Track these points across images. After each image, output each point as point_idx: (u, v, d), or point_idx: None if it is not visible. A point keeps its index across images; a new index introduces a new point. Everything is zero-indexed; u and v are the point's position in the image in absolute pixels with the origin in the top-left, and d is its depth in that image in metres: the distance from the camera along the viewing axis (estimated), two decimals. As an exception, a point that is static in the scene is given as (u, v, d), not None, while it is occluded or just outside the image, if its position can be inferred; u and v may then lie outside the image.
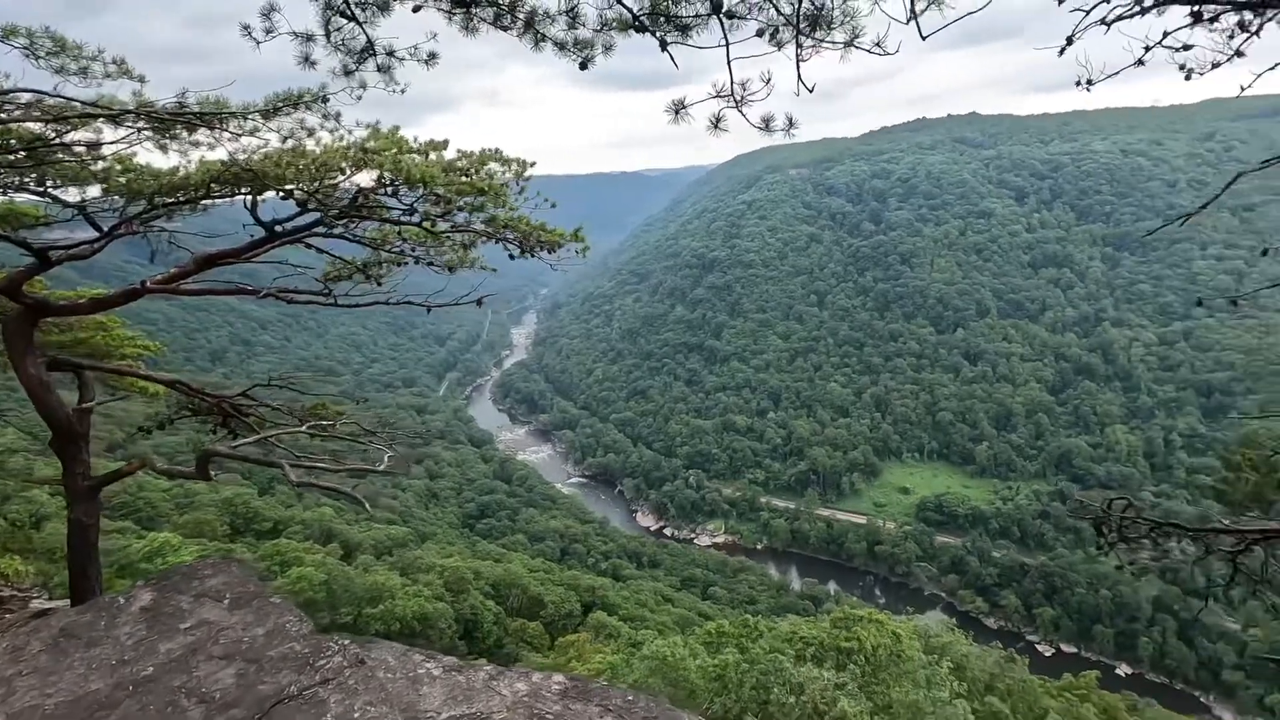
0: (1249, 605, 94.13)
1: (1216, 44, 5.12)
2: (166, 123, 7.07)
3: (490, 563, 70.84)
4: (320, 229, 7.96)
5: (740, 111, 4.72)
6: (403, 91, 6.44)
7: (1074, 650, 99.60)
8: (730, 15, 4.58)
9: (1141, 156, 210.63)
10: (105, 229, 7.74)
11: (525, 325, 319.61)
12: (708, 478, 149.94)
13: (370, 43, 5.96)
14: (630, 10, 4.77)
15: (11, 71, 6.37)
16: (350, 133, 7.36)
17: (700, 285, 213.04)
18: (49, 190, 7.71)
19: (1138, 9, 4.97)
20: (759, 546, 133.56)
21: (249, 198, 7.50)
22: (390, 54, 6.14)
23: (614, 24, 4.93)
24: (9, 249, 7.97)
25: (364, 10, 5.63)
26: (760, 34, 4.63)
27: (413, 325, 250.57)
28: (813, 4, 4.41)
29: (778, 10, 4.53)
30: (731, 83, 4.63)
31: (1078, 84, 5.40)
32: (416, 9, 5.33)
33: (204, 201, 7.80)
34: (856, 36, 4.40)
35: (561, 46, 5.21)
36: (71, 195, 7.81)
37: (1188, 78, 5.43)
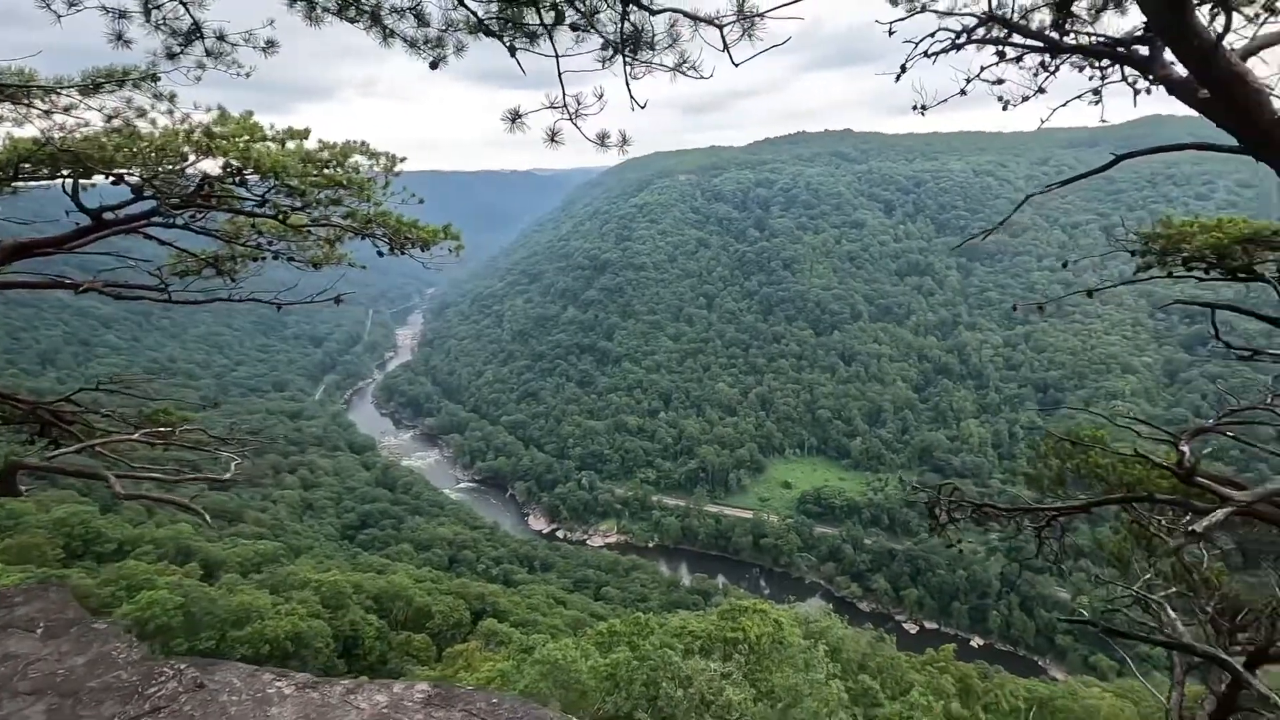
0: (1076, 577, 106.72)
1: (1024, 80, 5.83)
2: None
3: (372, 575, 67.26)
4: (158, 219, 7.26)
5: (575, 124, 4.78)
6: (247, 75, 5.99)
7: (935, 626, 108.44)
8: (574, 28, 4.63)
9: (990, 176, 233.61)
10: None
11: (411, 326, 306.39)
12: (600, 478, 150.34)
13: (197, 25, 5.48)
14: (475, 14, 4.71)
15: None
16: (189, 116, 6.77)
17: (592, 287, 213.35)
18: None
19: (952, 46, 5.55)
20: (650, 545, 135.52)
21: (70, 181, 6.70)
22: (221, 38, 5.69)
23: (461, 25, 4.83)
24: None
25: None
26: (605, 48, 4.69)
27: (284, 325, 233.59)
28: (633, 25, 4.51)
29: (598, 32, 4.62)
30: (564, 95, 4.69)
31: (914, 108, 5.94)
32: None
33: (14, 184, 6.88)
34: (685, 62, 4.57)
35: (412, 44, 5.04)
36: None
37: (1005, 108, 6.01)
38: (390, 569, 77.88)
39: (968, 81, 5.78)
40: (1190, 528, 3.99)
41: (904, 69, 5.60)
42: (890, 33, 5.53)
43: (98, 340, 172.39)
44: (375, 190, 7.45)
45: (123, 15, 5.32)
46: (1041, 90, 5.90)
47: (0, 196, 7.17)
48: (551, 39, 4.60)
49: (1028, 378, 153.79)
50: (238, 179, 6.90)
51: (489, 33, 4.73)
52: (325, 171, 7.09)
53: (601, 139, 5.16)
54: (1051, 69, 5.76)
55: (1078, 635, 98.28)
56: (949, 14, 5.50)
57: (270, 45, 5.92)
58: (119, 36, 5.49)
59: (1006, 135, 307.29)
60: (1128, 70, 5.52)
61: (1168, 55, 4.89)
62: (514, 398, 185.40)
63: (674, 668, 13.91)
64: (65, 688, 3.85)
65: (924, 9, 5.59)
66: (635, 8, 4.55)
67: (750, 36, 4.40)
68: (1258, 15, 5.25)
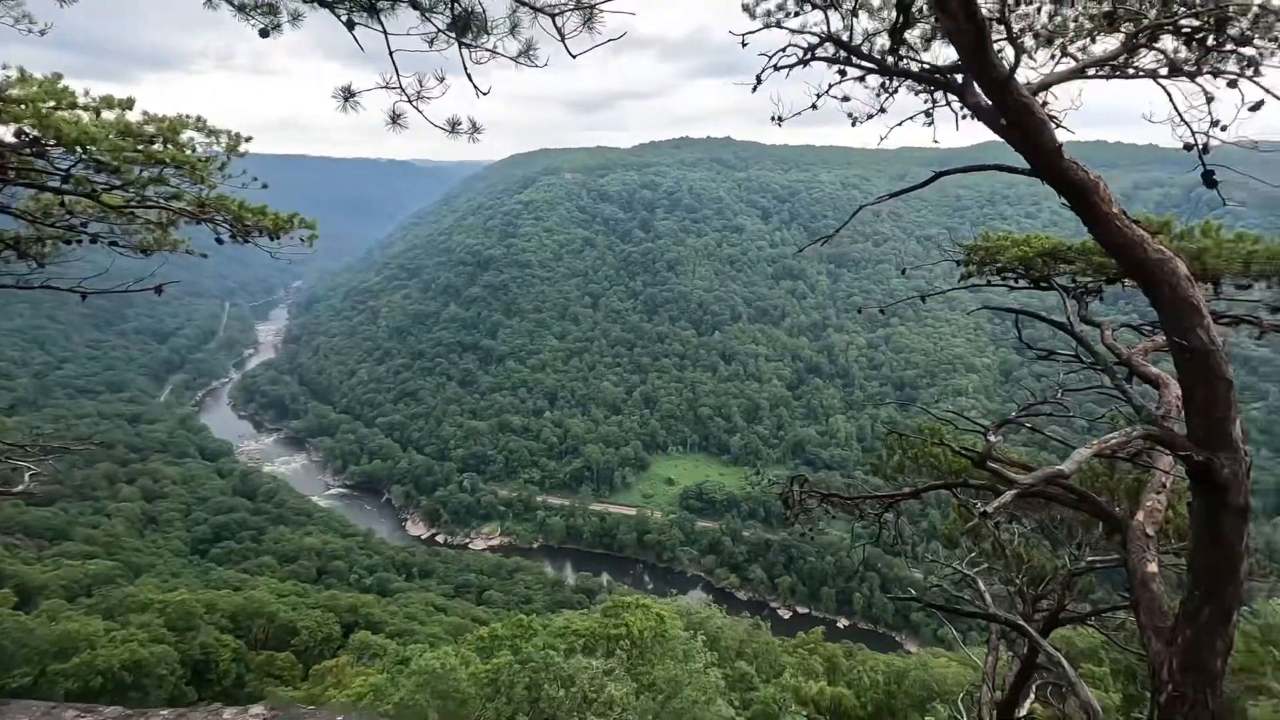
0: (926, 560, 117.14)
1: (868, 99, 6.39)
2: None
3: (228, 592, 61.88)
4: None
5: (415, 107, 4.63)
6: (42, 33, 5.33)
7: (806, 611, 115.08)
8: (415, 6, 4.49)
9: (855, 189, 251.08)
10: None
11: (274, 321, 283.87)
12: (483, 480, 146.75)
13: None
14: None
15: None
16: None
17: (475, 283, 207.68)
18: None
19: (800, 62, 5.95)
20: (535, 545, 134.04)
21: None
22: None
23: None
24: None
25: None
26: (451, 28, 4.60)
27: (122, 318, 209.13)
28: (463, 8, 4.47)
29: (423, 13, 4.52)
30: (398, 76, 4.52)
31: (772, 119, 6.34)
32: None
33: None
34: (530, 49, 4.58)
35: (241, 9, 4.65)
36: None
37: (854, 124, 6.55)
38: (249, 584, 72.12)
39: (818, 97, 6.22)
40: (981, 509, 4.49)
41: (759, 80, 5.96)
42: (744, 44, 5.86)
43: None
44: (211, 171, 6.80)
45: None
46: (883, 110, 6.43)
47: None
48: (379, 15, 4.35)
49: (888, 376, 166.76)
50: (34, 150, 6.07)
51: (323, 2, 4.43)
52: (149, 147, 6.37)
53: (452, 125, 5.01)
54: (891, 90, 6.30)
55: (928, 611, 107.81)
56: (799, 31, 5.88)
57: None
58: None
59: (871, 151, 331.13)
60: (951, 96, 6.08)
61: (976, 87, 5.42)
62: (390, 398, 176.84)
63: (556, 668, 13.89)
64: None
65: (778, 25, 5.95)
66: None
67: (590, 28, 4.44)
68: (1053, 56, 6.02)
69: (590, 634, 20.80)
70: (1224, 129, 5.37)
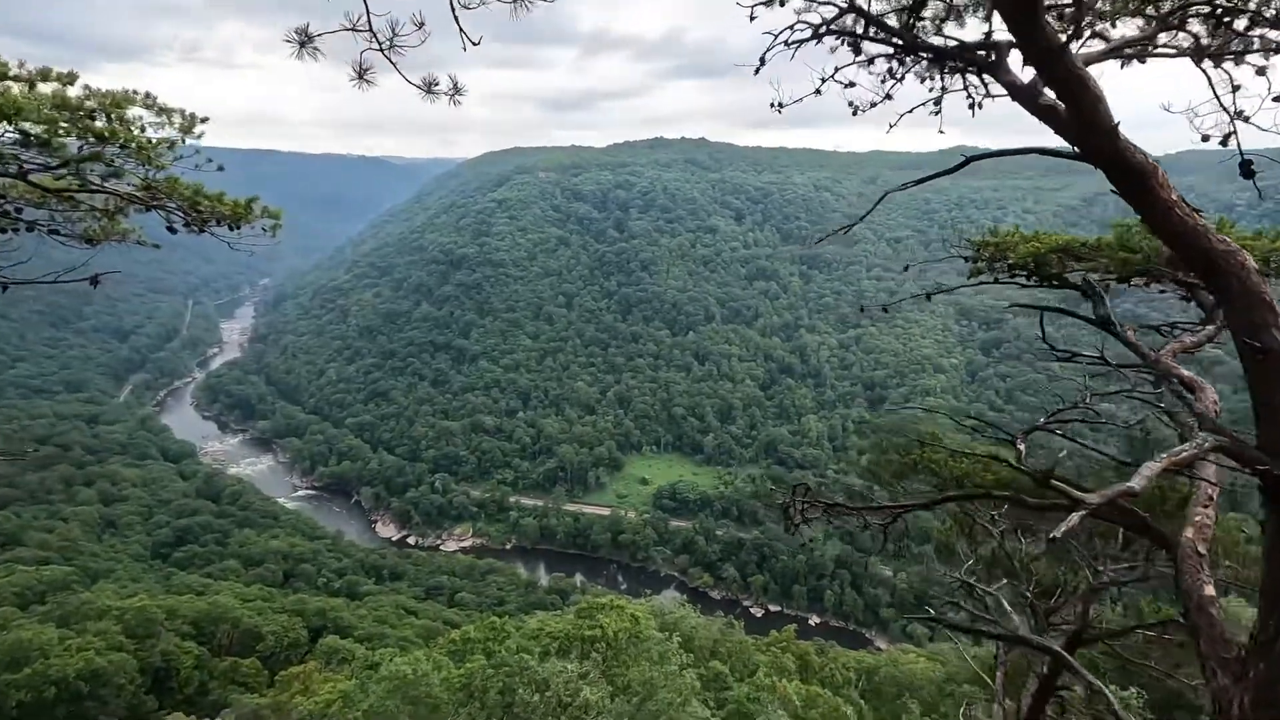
0: (899, 558, 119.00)
1: (873, 86, 6.04)
2: None
3: (190, 597, 60.35)
4: None
5: (387, 57, 4.22)
6: None
7: (779, 609, 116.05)
8: None
9: (827, 191, 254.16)
10: None
11: (240, 319, 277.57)
12: (455, 481, 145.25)
13: None
14: None
15: None
16: None
17: (448, 282, 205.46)
18: None
19: (814, 36, 5.65)
20: (508, 546, 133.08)
21: None
22: None
23: None
24: None
25: None
26: None
27: (79, 316, 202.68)
28: None
29: None
30: (369, 17, 4.06)
31: (772, 105, 6.05)
32: None
33: None
34: None
35: None
36: None
37: (855, 113, 6.19)
38: (213, 589, 70.40)
39: (822, 81, 5.92)
40: (1051, 535, 4.15)
41: (763, 62, 5.66)
42: (752, 18, 5.55)
43: None
44: (161, 153, 6.27)
45: None
46: (889, 97, 6.09)
47: None
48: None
49: (858, 376, 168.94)
50: None
51: None
52: (89, 122, 5.84)
53: (429, 85, 4.61)
54: (899, 76, 5.96)
55: (899, 608, 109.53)
56: (819, 2, 5.56)
57: None
58: None
59: (843, 154, 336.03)
60: (970, 80, 5.83)
61: (1012, 62, 5.17)
62: (361, 398, 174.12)
63: (530, 672, 13.74)
64: None
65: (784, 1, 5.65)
66: None
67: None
68: (1079, 35, 5.55)
69: (564, 636, 20.67)
70: (1247, 120, 5.09)
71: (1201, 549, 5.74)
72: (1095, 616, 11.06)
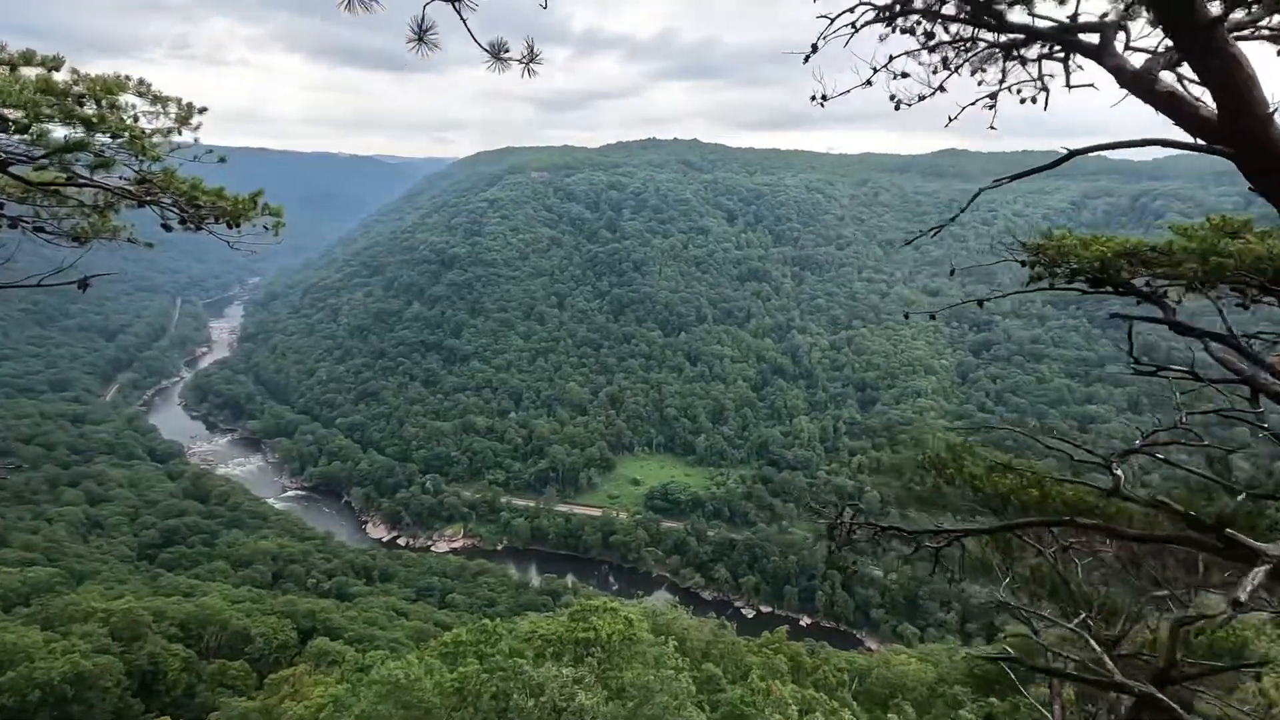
0: (888, 557, 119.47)
1: (922, 79, 5.72)
2: None
3: (178, 599, 59.80)
4: None
5: (457, 10, 3.90)
6: None
7: (770, 609, 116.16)
8: None
9: (819, 193, 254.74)
10: None
11: (229, 318, 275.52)
12: (446, 481, 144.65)
13: None
14: None
15: None
16: None
17: (439, 282, 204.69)
18: None
19: (881, 17, 5.29)
20: (499, 547, 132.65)
21: None
22: None
23: None
24: None
25: None
26: None
27: (65, 314, 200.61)
28: None
29: None
30: None
31: (813, 98, 5.76)
32: None
33: None
34: None
35: None
36: None
37: (897, 107, 5.83)
38: (200, 591, 69.78)
39: (874, 71, 5.61)
40: (1234, 597, 3.75)
41: (814, 49, 5.37)
42: None
43: None
44: (156, 144, 5.80)
45: None
46: (942, 89, 5.74)
47: None
48: None
49: (850, 377, 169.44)
50: None
51: None
52: (77, 107, 5.40)
53: (497, 49, 4.15)
54: (955, 66, 5.63)
55: (889, 608, 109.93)
56: None
57: None
58: None
59: (834, 156, 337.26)
60: (1044, 68, 5.40)
61: (1118, 45, 4.79)
62: (351, 398, 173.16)
63: (525, 677, 13.63)
64: None
65: None
66: None
67: None
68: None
69: (558, 639, 20.57)
70: None
71: None
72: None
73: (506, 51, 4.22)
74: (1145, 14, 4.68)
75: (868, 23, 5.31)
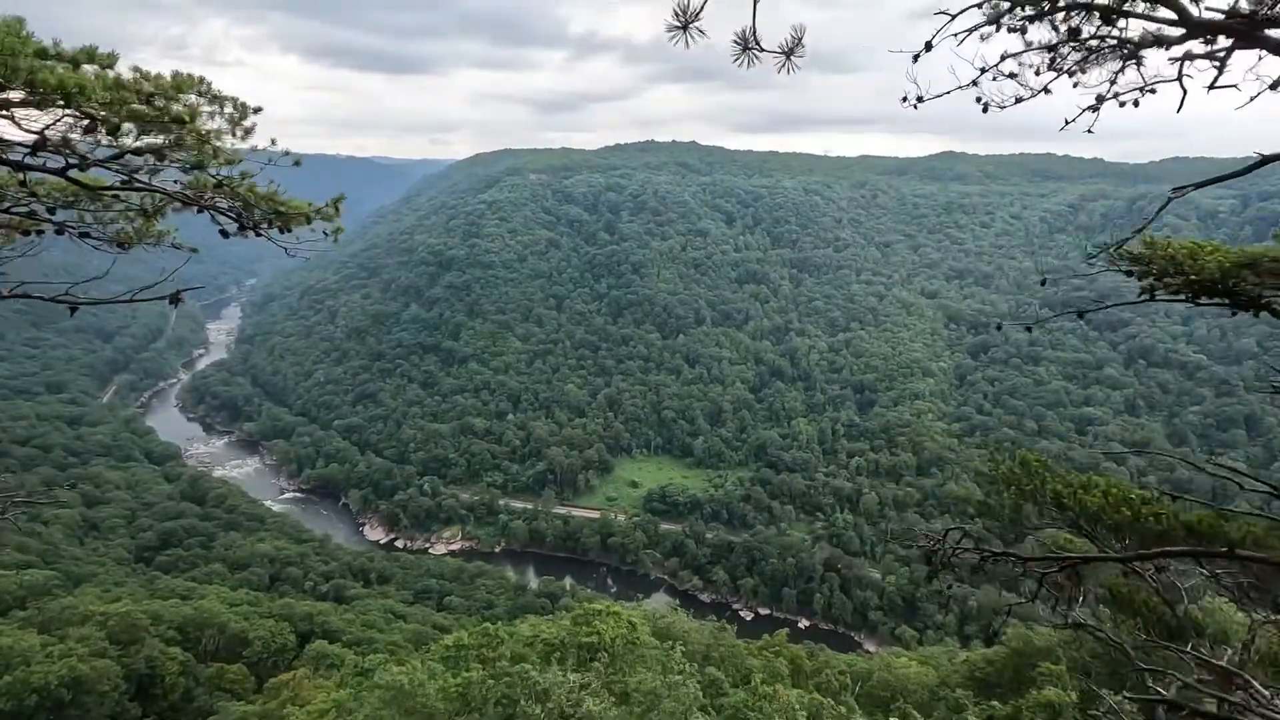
0: (886, 559, 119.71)
1: (1023, 81, 5.48)
2: None
3: (175, 602, 59.55)
4: None
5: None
6: None
7: (768, 612, 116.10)
8: None
9: (818, 196, 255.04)
10: None
11: (226, 320, 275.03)
12: (444, 483, 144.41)
13: None
14: None
15: None
16: None
17: (437, 284, 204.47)
18: None
19: (1036, 16, 5.04)
20: (497, 549, 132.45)
21: None
22: None
23: None
24: None
25: None
26: None
27: (60, 315, 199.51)
28: None
29: None
30: None
31: (904, 100, 5.58)
32: None
33: None
34: None
35: None
36: None
37: (984, 110, 5.62)
38: (198, 593, 69.46)
39: (981, 72, 5.37)
40: None
41: (929, 45, 5.14)
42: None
43: None
44: (218, 145, 5.46)
45: None
46: (1046, 90, 5.50)
47: None
48: None
49: (848, 379, 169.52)
50: None
51: None
52: (167, 105, 5.07)
53: (745, 39, 3.96)
54: (1064, 68, 5.37)
55: (887, 610, 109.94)
56: None
57: None
58: None
59: (832, 159, 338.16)
60: (1192, 66, 5.07)
61: None
62: (349, 400, 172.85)
63: (531, 683, 13.58)
64: None
65: None
66: None
67: None
68: None
69: (560, 643, 20.51)
70: None
71: None
72: None
73: (758, 44, 4.05)
74: None
75: (1028, 18, 5.03)
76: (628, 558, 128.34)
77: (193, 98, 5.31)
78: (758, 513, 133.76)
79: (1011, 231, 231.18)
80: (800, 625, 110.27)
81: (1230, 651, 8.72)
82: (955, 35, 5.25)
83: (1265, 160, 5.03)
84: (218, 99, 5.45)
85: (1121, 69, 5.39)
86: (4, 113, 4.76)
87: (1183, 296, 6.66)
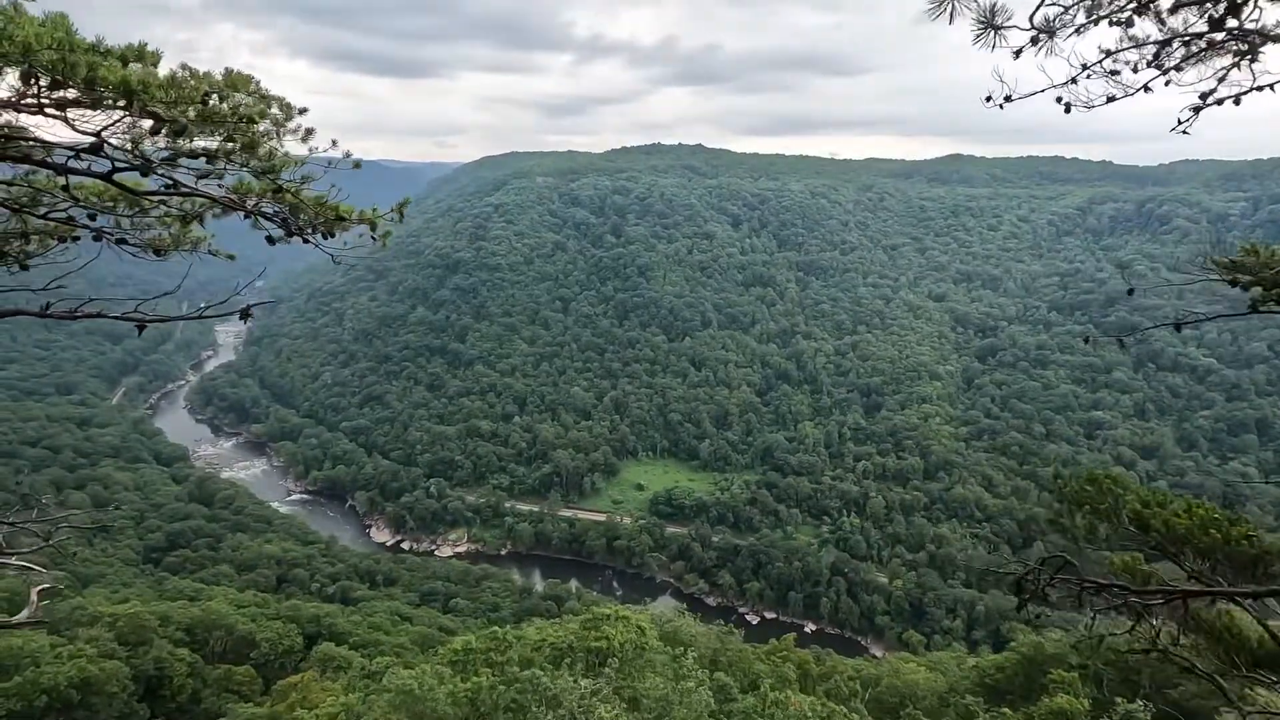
0: (892, 563, 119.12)
1: (1114, 81, 5.29)
2: None
3: (184, 603, 59.72)
4: None
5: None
6: None
7: (774, 615, 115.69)
8: None
9: (824, 198, 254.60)
10: None
11: (234, 322, 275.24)
12: (450, 485, 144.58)
13: None
14: None
15: None
16: None
17: (444, 286, 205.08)
18: None
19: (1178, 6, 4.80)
20: (503, 552, 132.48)
21: None
22: None
23: None
24: None
25: None
26: None
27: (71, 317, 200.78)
28: None
29: None
30: None
31: (987, 99, 5.44)
32: None
33: None
34: None
35: None
36: None
37: (1067, 110, 5.41)
38: (206, 595, 69.69)
39: (1083, 69, 5.16)
40: None
41: (1035, 41, 4.97)
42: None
43: None
44: (273, 147, 5.18)
45: None
46: (1147, 89, 5.26)
47: None
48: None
49: (854, 383, 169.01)
50: (48, 103, 4.32)
51: None
52: (234, 105, 4.82)
53: (989, 18, 4.02)
54: (1167, 66, 5.14)
55: (893, 614, 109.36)
56: None
57: None
58: None
59: (838, 161, 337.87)
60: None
61: None
62: (355, 402, 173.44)
63: (541, 689, 13.52)
64: None
65: None
66: None
67: None
68: None
69: (569, 647, 20.45)
70: None
71: None
72: None
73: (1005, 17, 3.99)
74: None
75: (1112, 14, 4.88)
76: (633, 561, 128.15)
77: (240, 97, 5.06)
78: (764, 516, 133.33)
79: (1019, 234, 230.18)
80: (807, 629, 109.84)
81: None
82: (1038, 34, 5.03)
83: None
84: (266, 98, 5.22)
85: (1235, 64, 5.11)
86: (59, 112, 4.50)
87: None
